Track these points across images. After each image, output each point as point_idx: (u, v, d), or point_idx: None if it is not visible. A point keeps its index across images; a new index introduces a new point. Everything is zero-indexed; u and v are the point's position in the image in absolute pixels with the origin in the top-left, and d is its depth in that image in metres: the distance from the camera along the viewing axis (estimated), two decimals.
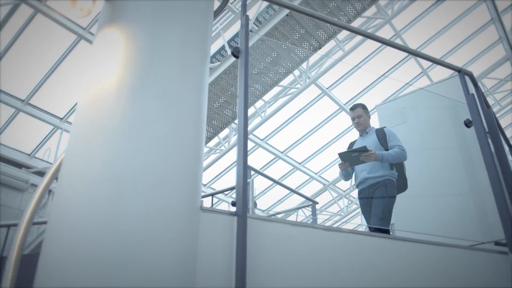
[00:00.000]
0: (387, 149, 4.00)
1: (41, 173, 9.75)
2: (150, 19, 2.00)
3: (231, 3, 8.28)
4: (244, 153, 1.94)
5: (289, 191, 11.47)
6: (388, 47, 9.77)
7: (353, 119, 4.30)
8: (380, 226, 3.69)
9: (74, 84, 9.08)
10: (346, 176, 4.21)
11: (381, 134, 4.11)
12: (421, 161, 4.55)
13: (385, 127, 4.23)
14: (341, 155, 4.01)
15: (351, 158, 3.97)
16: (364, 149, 3.85)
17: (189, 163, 1.81)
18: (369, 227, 3.90)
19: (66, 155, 1.87)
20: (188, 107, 1.90)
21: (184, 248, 1.68)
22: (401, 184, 4.11)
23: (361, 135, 4.30)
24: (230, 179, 11.27)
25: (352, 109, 4.36)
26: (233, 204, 1.93)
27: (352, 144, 4.36)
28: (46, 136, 9.80)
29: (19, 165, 9.70)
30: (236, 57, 2.29)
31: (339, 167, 4.04)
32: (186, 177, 1.78)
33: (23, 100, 9.10)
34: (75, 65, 8.73)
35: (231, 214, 1.87)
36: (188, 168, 1.79)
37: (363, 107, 4.34)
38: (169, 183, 1.71)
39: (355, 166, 4.11)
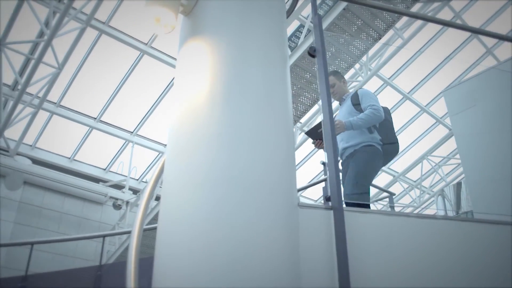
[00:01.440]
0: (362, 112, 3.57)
1: (117, 186, 10.21)
2: (231, 29, 2.10)
3: (286, 2, 8.32)
4: (334, 148, 1.99)
5: None
6: (446, 32, 9.41)
7: None
8: (352, 192, 3.29)
9: (141, 98, 9.45)
10: None
11: (355, 98, 3.71)
12: (494, 144, 4.39)
13: (361, 88, 3.81)
14: (308, 134, 3.62)
15: (321, 134, 3.40)
16: None
17: (284, 161, 1.88)
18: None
19: (166, 166, 2.00)
20: (276, 108, 1.98)
21: (288, 246, 1.74)
22: (391, 148, 3.69)
23: (340, 104, 3.92)
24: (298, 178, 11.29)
25: None
26: (327, 198, 1.96)
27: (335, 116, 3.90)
28: (119, 150, 10.23)
29: (96, 179, 10.20)
30: (313, 56, 2.34)
31: (315, 147, 3.64)
32: (283, 176, 1.85)
33: (95, 118, 9.56)
34: (140, 79, 9.08)
35: (327, 208, 1.90)
36: (284, 166, 1.86)
37: (335, 73, 3.95)
38: (269, 183, 1.78)
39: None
